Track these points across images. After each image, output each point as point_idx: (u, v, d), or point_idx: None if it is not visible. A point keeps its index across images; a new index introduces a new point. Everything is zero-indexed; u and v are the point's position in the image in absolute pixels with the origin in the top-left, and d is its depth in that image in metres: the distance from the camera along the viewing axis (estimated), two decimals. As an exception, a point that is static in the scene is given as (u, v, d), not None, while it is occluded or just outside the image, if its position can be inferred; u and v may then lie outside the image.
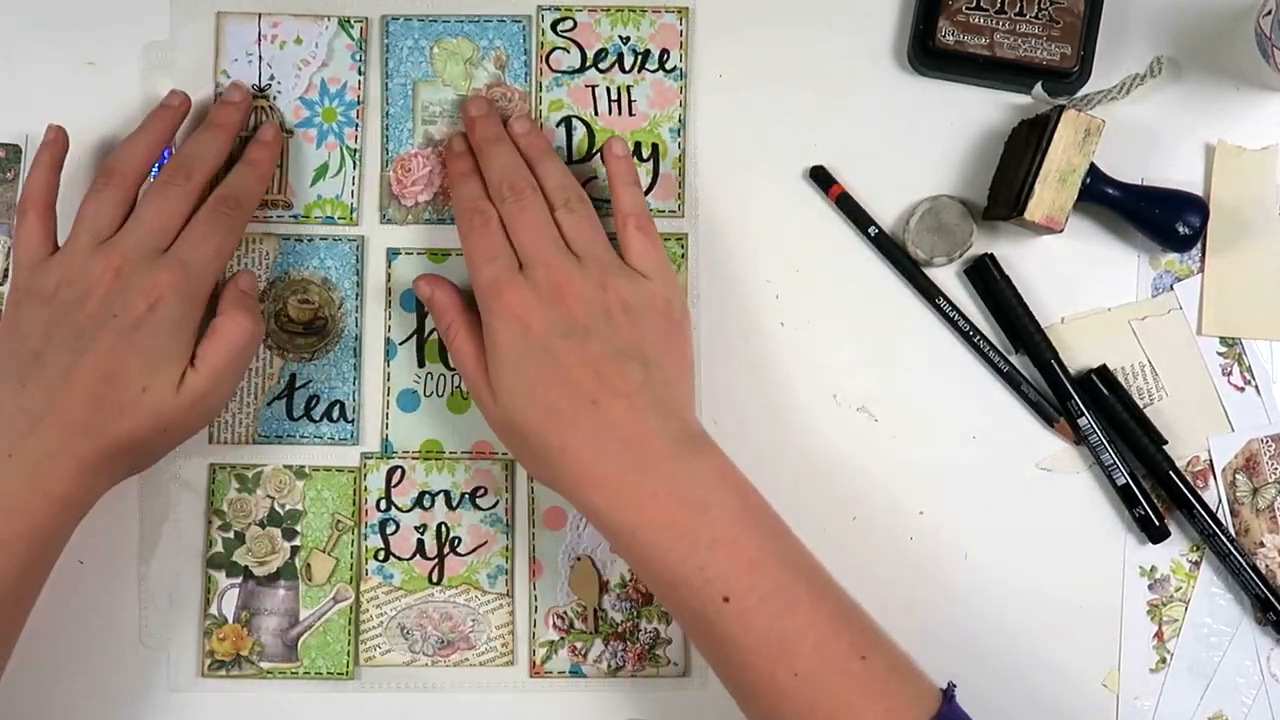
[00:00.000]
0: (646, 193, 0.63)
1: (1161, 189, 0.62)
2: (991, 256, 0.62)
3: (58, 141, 0.60)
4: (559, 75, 0.63)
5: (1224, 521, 0.63)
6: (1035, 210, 0.59)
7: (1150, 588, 0.63)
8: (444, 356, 0.63)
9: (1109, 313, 0.64)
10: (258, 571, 0.62)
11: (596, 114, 0.63)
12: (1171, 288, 0.64)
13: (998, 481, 0.63)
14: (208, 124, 0.60)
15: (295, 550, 0.62)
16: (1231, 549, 0.61)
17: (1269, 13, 0.60)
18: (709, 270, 0.63)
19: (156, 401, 0.55)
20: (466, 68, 0.63)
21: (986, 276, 0.62)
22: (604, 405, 0.53)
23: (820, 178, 0.63)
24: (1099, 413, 0.62)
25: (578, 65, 0.63)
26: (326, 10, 0.63)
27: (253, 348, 0.59)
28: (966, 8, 0.61)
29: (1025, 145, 0.61)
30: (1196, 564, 0.63)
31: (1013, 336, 0.63)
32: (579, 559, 0.62)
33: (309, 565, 0.62)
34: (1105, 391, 0.62)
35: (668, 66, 0.63)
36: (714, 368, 0.63)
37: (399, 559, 0.62)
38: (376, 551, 0.62)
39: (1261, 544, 0.63)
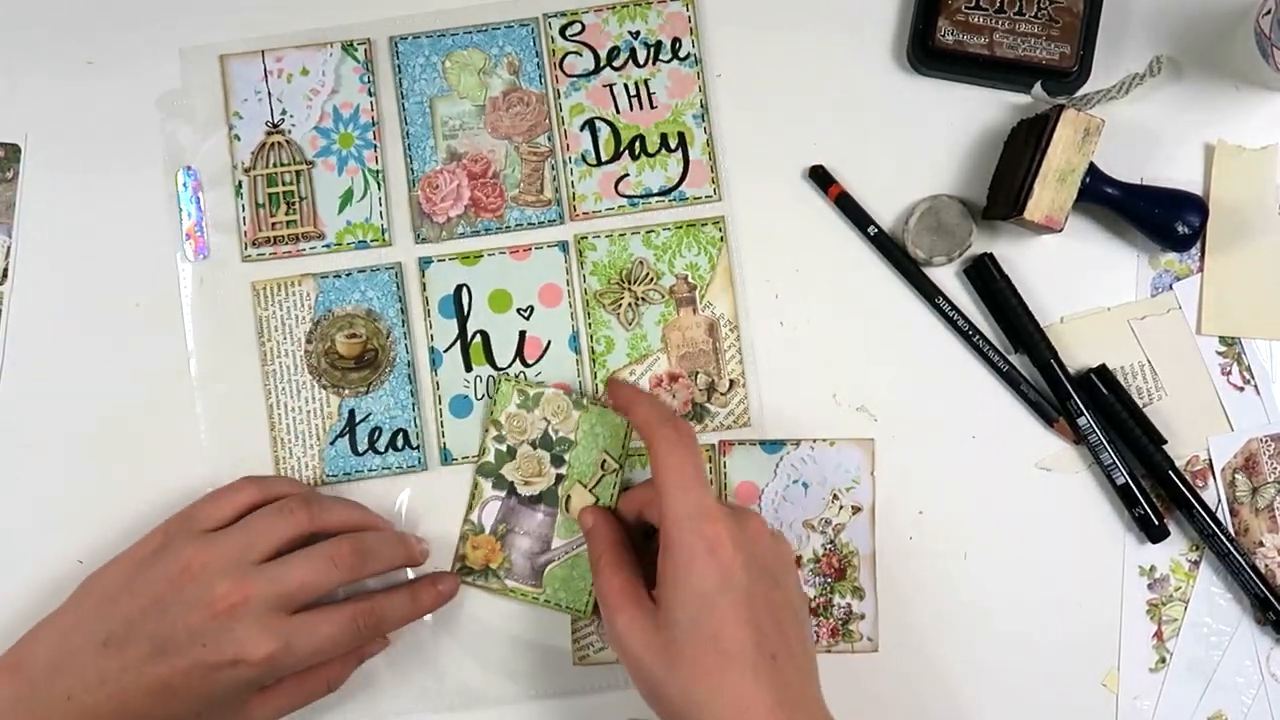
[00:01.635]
0: (682, 180, 0.63)
1: (1161, 189, 0.62)
2: (991, 256, 0.62)
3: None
4: (575, 79, 0.63)
5: (1223, 521, 0.63)
6: (1035, 210, 0.59)
7: (1150, 587, 0.63)
8: (489, 356, 0.63)
9: (1108, 312, 0.64)
10: (521, 490, 0.62)
11: (618, 112, 0.64)
12: (1171, 287, 0.64)
13: (998, 481, 0.63)
14: (381, 532, 0.60)
15: (560, 479, 0.62)
16: (1231, 549, 0.61)
17: (1269, 12, 0.60)
18: (708, 270, 0.64)
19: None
20: (481, 78, 0.63)
21: (986, 276, 0.62)
22: (781, 662, 0.50)
23: (820, 177, 0.63)
24: (1098, 412, 0.62)
25: (592, 67, 0.64)
26: (328, 37, 0.63)
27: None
28: (966, 7, 0.61)
29: (1025, 145, 0.61)
30: (1196, 564, 0.63)
31: (1012, 336, 0.63)
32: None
33: (569, 496, 0.62)
34: (1105, 391, 0.62)
35: (681, 54, 0.64)
36: (713, 367, 0.63)
37: None
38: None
39: (1261, 544, 0.63)
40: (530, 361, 0.63)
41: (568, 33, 0.64)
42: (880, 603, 0.62)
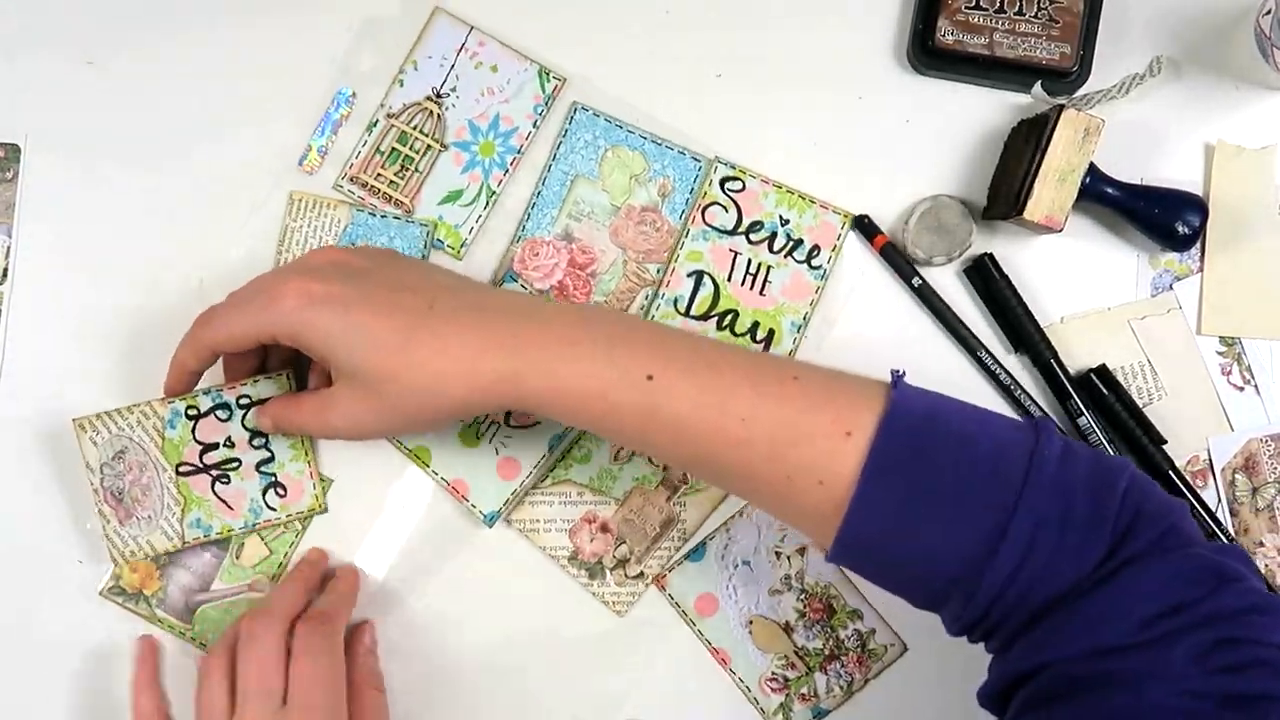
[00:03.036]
0: None
1: (1161, 189, 0.62)
2: (991, 256, 0.62)
3: (152, 653, 0.61)
4: (709, 230, 0.62)
5: (1224, 521, 0.63)
6: (1035, 210, 0.59)
7: (1150, 587, 0.63)
8: None
9: (1108, 312, 0.64)
10: None
11: (729, 280, 0.62)
12: (1171, 287, 0.64)
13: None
14: (287, 578, 0.61)
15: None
16: (1231, 549, 0.61)
17: (1269, 12, 0.60)
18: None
19: None
20: (631, 183, 0.62)
21: (986, 276, 0.62)
22: (438, 303, 0.53)
23: (865, 228, 0.63)
24: (1098, 412, 0.62)
25: (730, 227, 0.62)
26: (534, 54, 0.63)
27: None
28: (966, 7, 0.61)
29: (1025, 145, 0.61)
30: (1196, 564, 0.63)
31: (1012, 336, 0.63)
32: (750, 621, 0.63)
33: (243, 544, 0.62)
34: (1105, 391, 0.62)
35: (814, 263, 0.62)
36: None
37: (194, 437, 0.60)
38: (189, 406, 0.60)
39: (1261, 544, 0.63)
40: (512, 424, 0.62)
41: (727, 185, 0.62)
42: (881, 607, 0.62)
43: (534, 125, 0.63)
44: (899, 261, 0.62)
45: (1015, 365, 0.63)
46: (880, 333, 0.63)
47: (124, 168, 0.63)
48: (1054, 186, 0.59)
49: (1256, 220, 0.63)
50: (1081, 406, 0.62)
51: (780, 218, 0.62)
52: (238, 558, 0.62)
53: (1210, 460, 0.63)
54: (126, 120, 0.63)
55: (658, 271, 0.62)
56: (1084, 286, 0.63)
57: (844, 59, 0.64)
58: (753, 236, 0.62)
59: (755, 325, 0.62)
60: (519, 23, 0.63)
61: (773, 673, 0.62)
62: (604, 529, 0.62)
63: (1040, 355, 0.62)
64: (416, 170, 0.62)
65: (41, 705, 0.62)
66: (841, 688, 0.62)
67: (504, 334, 0.52)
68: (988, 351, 0.62)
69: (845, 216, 0.63)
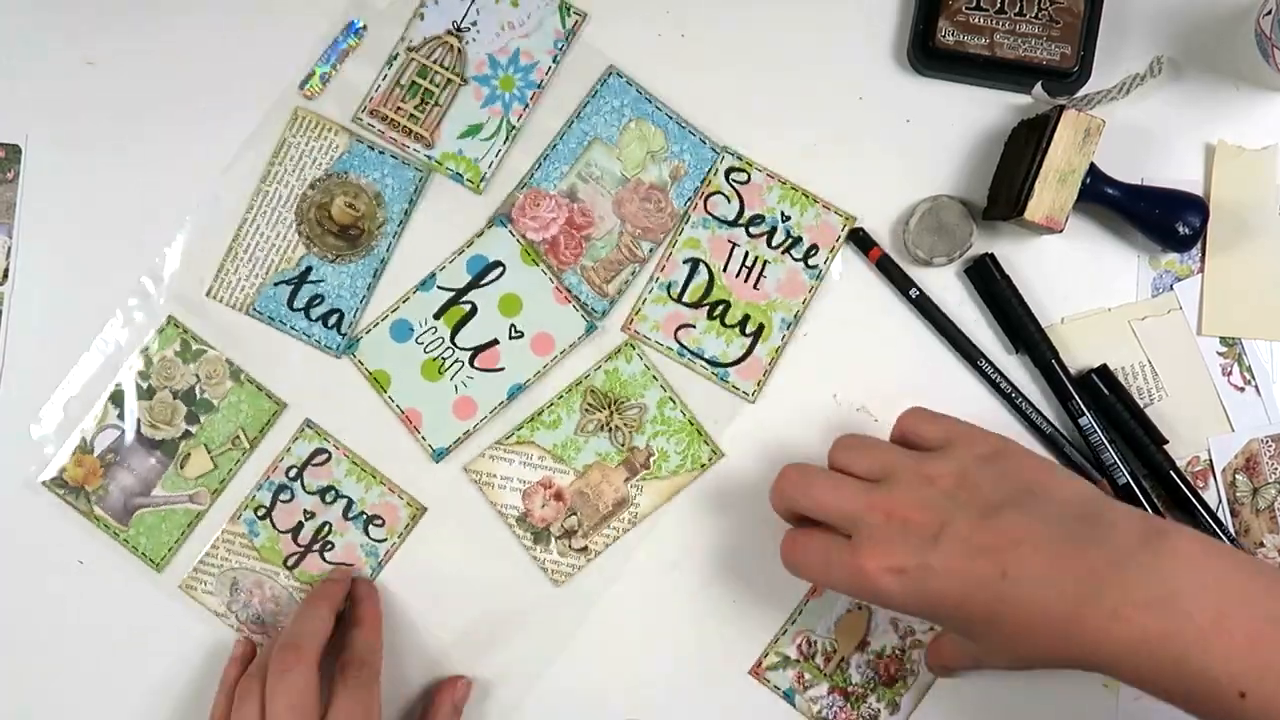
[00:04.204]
0: (734, 363, 0.62)
1: (1161, 189, 0.62)
2: (991, 256, 0.62)
3: (249, 656, 0.62)
4: (709, 218, 0.63)
5: (1224, 521, 0.63)
6: (1035, 210, 0.59)
7: (1150, 588, 0.63)
8: (454, 327, 0.62)
9: (1109, 313, 0.63)
10: (145, 431, 0.62)
11: (724, 270, 0.63)
12: (1171, 288, 0.64)
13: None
14: (310, 600, 0.61)
15: (187, 435, 0.62)
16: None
17: (1269, 13, 0.60)
18: (709, 270, 0.63)
19: None
20: (647, 158, 0.62)
21: (986, 277, 0.62)
22: (1011, 568, 0.48)
23: (860, 240, 0.63)
24: (1099, 413, 0.62)
25: (731, 218, 0.63)
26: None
27: None
28: (966, 8, 0.61)
29: (1025, 145, 0.61)
30: (1197, 564, 0.63)
31: (1013, 337, 0.63)
32: (860, 607, 0.62)
33: (188, 455, 0.62)
34: (1105, 391, 0.62)
35: (810, 262, 0.63)
36: (714, 368, 0.63)
37: (274, 526, 0.63)
38: (259, 507, 0.63)
39: (1261, 544, 0.63)
40: (475, 366, 0.62)
41: (731, 176, 0.63)
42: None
43: (554, 60, 0.63)
44: (896, 273, 0.62)
45: (1016, 366, 0.63)
46: (879, 343, 0.63)
47: (124, 167, 0.63)
48: (1054, 187, 0.59)
49: (1257, 221, 0.63)
50: (1082, 407, 0.62)
51: (782, 213, 0.63)
52: (182, 468, 0.62)
53: (1211, 460, 0.63)
54: (127, 120, 0.63)
55: (649, 250, 0.63)
56: (1085, 287, 0.63)
57: (844, 59, 0.64)
58: (752, 230, 0.63)
59: (746, 318, 0.63)
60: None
61: (814, 640, 0.63)
62: (558, 497, 0.63)
63: (1041, 356, 0.62)
64: (437, 104, 0.63)
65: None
66: (820, 713, 0.62)
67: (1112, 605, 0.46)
68: (988, 360, 0.62)
69: (846, 219, 0.63)
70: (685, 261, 0.63)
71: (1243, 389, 0.63)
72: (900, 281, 0.62)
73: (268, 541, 0.62)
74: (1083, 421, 0.62)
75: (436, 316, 0.63)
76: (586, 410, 0.62)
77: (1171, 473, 0.62)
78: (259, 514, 0.62)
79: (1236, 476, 0.63)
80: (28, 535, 0.63)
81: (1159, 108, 0.64)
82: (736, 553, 0.63)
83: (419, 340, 0.63)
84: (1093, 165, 0.60)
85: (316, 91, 0.62)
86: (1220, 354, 0.63)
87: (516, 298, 0.63)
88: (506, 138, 0.63)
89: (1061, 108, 0.59)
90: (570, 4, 0.63)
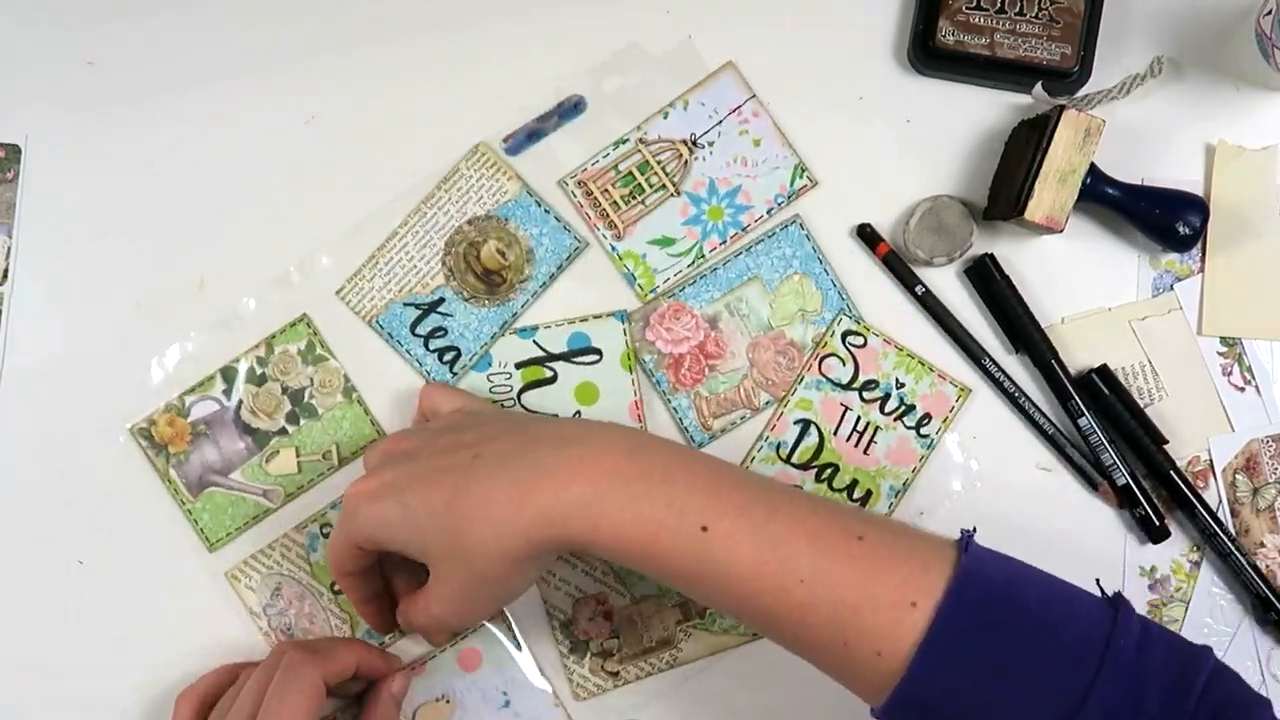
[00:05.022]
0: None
1: (1161, 189, 0.61)
2: (991, 256, 0.62)
3: (226, 679, 0.59)
4: (823, 380, 0.62)
5: (1224, 521, 0.63)
6: (1035, 210, 0.59)
7: (1150, 588, 0.63)
8: (531, 383, 0.62)
9: (1109, 313, 0.63)
10: (243, 414, 0.62)
11: (835, 434, 0.62)
12: (1171, 288, 0.64)
13: (998, 481, 0.63)
14: (352, 642, 0.60)
15: (283, 432, 0.62)
16: (1232, 548, 0.61)
17: (1269, 13, 0.60)
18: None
19: None
20: (797, 315, 0.62)
21: (986, 277, 0.62)
22: (484, 450, 0.51)
23: (867, 236, 0.63)
24: (1099, 413, 0.62)
25: (845, 381, 0.62)
26: (799, 146, 0.63)
27: None
28: (966, 7, 0.61)
29: (1025, 145, 0.61)
30: (1197, 564, 0.63)
31: (1013, 336, 0.63)
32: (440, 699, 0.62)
33: (277, 451, 0.62)
34: (1106, 391, 0.62)
35: (922, 431, 0.62)
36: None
37: None
38: (326, 524, 0.62)
39: (1262, 544, 0.63)
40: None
41: (848, 339, 0.62)
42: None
43: (768, 212, 0.62)
44: (902, 269, 0.62)
45: (1016, 366, 0.63)
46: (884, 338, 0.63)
47: (124, 167, 0.63)
48: (1055, 187, 0.59)
49: (1257, 220, 0.63)
50: (1082, 407, 0.62)
51: (896, 380, 0.62)
52: (267, 462, 0.62)
53: (1211, 461, 0.63)
54: (126, 120, 0.63)
55: (765, 402, 0.62)
56: (1085, 287, 0.63)
57: (844, 59, 0.64)
58: (866, 395, 0.62)
59: (854, 483, 0.62)
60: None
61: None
62: (606, 615, 0.62)
63: (1041, 356, 0.62)
64: (643, 203, 0.62)
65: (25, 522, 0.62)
66: None
67: (551, 469, 0.49)
68: (992, 359, 0.62)
69: (962, 390, 0.62)
70: (796, 422, 0.62)
71: (1243, 389, 0.63)
72: (907, 278, 0.62)
73: (324, 560, 0.62)
74: (1082, 422, 0.62)
75: (518, 366, 0.62)
76: None
77: (1171, 473, 0.62)
78: (324, 531, 0.62)
79: (1237, 476, 0.63)
80: (101, 474, 0.62)
81: (1159, 108, 0.64)
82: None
83: (490, 378, 0.62)
84: (1093, 165, 0.60)
85: (514, 137, 0.62)
86: (1220, 354, 0.63)
87: (596, 389, 0.62)
88: (692, 262, 0.62)
89: (1061, 108, 0.59)
90: (806, 168, 0.62)
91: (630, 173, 0.62)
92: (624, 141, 0.63)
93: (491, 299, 0.62)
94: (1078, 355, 0.63)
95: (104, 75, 0.63)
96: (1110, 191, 0.61)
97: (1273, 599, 0.61)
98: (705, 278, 0.62)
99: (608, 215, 0.62)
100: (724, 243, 0.62)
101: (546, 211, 0.62)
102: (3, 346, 0.63)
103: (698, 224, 0.62)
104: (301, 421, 0.62)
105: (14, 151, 0.63)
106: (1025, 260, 0.63)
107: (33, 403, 0.62)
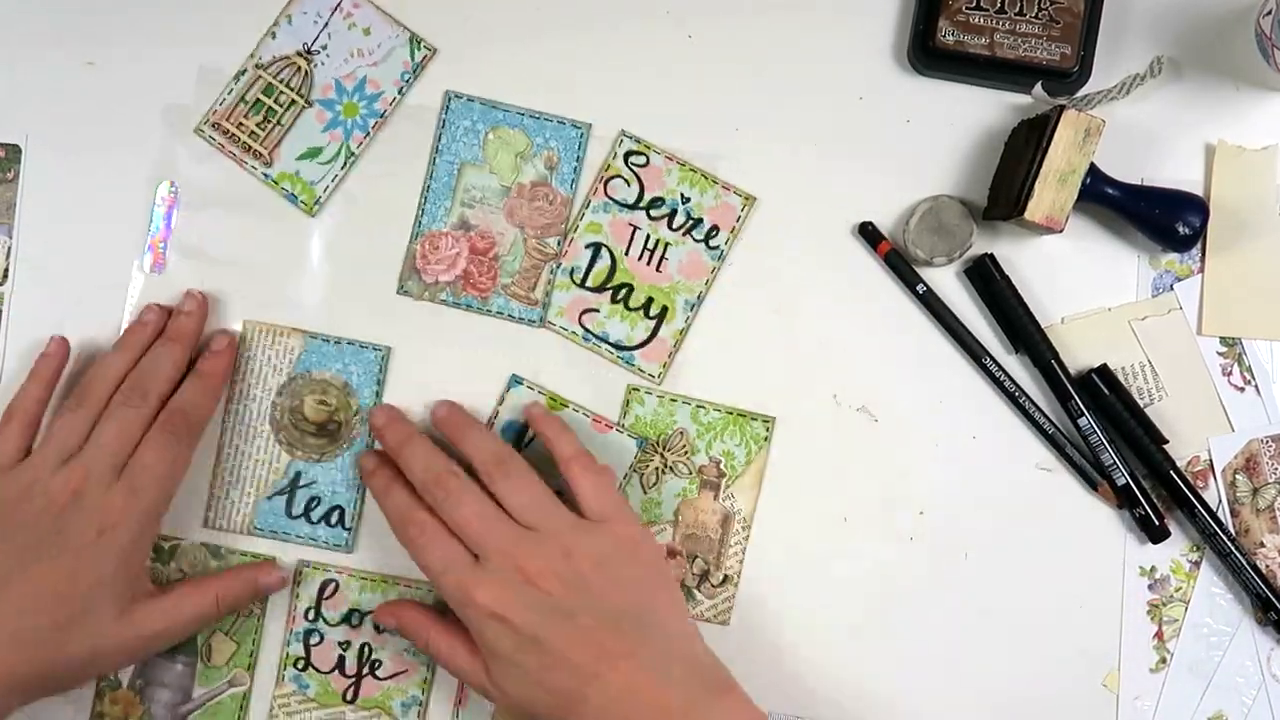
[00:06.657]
0: (639, 346, 0.62)
1: (1161, 189, 0.62)
2: (991, 256, 0.62)
3: (57, 355, 0.60)
4: (610, 203, 0.63)
5: (1224, 521, 0.63)
6: (1035, 210, 0.59)
7: (1150, 588, 0.63)
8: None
9: (1109, 313, 0.63)
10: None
11: (627, 254, 0.63)
12: (1171, 288, 0.64)
13: (998, 481, 0.63)
14: (164, 338, 0.60)
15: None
16: (1232, 548, 0.61)
17: (1269, 13, 0.60)
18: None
19: (95, 626, 0.55)
20: (516, 160, 0.62)
21: (986, 276, 0.62)
22: (607, 676, 0.52)
23: (869, 235, 0.63)
24: (1099, 413, 0.62)
25: (632, 201, 0.63)
26: (409, 22, 0.63)
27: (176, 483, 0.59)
28: (966, 8, 0.61)
29: (1025, 145, 0.61)
30: (1196, 564, 0.63)
31: (1013, 336, 0.63)
32: None
33: (210, 645, 0.61)
34: (1106, 391, 0.62)
35: (711, 243, 0.63)
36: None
37: (317, 670, 0.62)
38: (296, 660, 0.62)
39: (1262, 544, 0.63)
40: None
41: (631, 159, 0.63)
42: (881, 601, 0.62)
43: (399, 91, 0.63)
44: (903, 268, 0.62)
45: (1016, 366, 0.63)
46: (884, 338, 0.63)
47: (124, 167, 0.63)
48: (1054, 187, 0.59)
49: (1257, 220, 0.63)
50: (1082, 407, 0.62)
51: (682, 195, 0.63)
52: (208, 660, 0.61)
53: (1211, 460, 0.63)
54: (126, 120, 0.63)
55: (558, 244, 0.63)
56: (1085, 287, 0.63)
57: (844, 59, 0.64)
58: (653, 212, 0.63)
59: (650, 300, 0.63)
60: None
61: None
62: (672, 554, 0.62)
63: (1041, 356, 0.62)
64: (279, 124, 0.62)
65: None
66: None
67: None
68: (993, 359, 0.62)
69: (746, 199, 0.63)
70: (587, 246, 0.63)
71: (1243, 389, 0.63)
72: (908, 277, 0.62)
73: (320, 687, 0.61)
74: (1082, 421, 0.62)
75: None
76: (640, 466, 0.62)
77: (1171, 473, 0.62)
78: (299, 666, 0.61)
79: (1237, 476, 0.63)
80: None
81: (1159, 108, 0.64)
82: (845, 486, 0.63)
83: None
84: (1093, 165, 0.60)
85: (163, 259, 0.62)
86: (1220, 354, 0.63)
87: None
88: (345, 164, 0.62)
89: (1061, 108, 0.59)
90: (421, 38, 0.63)
91: (258, 99, 0.63)
92: (242, 73, 0.63)
93: (338, 446, 0.62)
94: (1078, 355, 0.63)
95: (104, 75, 0.63)
96: (1110, 191, 0.61)
97: (1273, 599, 0.61)
98: (427, 198, 0.62)
99: (250, 147, 0.62)
100: (368, 135, 0.62)
101: (336, 343, 0.62)
102: (3, 346, 0.63)
103: (338, 125, 0.63)
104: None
105: (14, 151, 0.63)
106: (1025, 260, 0.63)
107: (33, 403, 0.62)
